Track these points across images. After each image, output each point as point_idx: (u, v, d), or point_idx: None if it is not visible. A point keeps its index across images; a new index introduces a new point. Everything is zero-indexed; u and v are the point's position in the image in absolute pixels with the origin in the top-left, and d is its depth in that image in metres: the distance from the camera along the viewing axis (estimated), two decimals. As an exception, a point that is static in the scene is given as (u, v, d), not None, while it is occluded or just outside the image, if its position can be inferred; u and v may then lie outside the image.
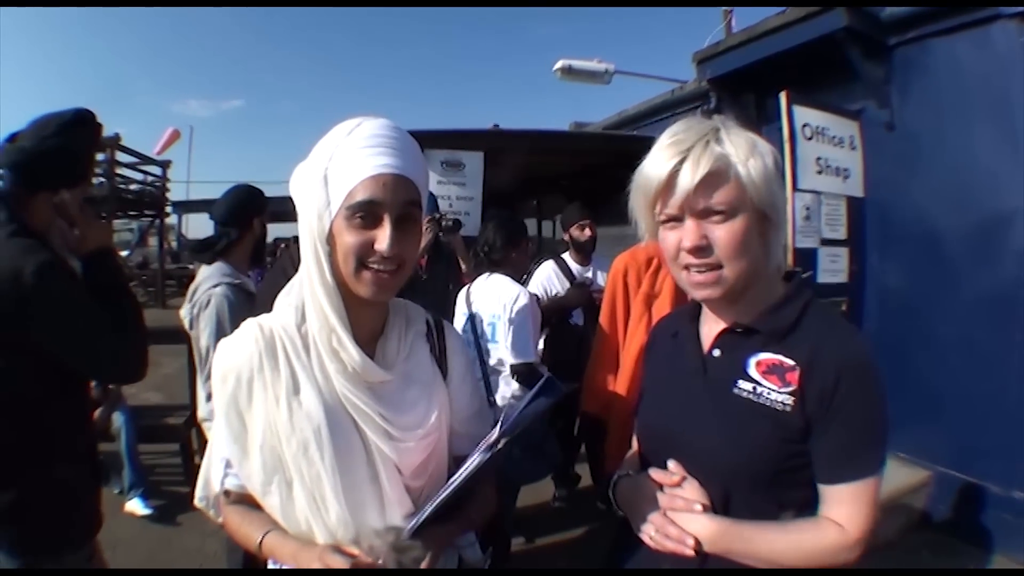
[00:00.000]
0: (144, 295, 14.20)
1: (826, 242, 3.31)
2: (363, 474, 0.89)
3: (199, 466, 1.05)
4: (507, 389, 2.42)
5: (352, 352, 0.88)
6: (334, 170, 0.84)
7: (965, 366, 3.17)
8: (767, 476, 0.88)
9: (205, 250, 2.12)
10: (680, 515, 0.89)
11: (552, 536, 3.25)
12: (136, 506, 3.42)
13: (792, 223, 3.02)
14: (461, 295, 2.60)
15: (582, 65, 6.26)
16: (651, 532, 0.91)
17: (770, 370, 0.89)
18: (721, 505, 0.90)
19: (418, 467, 0.94)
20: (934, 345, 3.32)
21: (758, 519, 0.88)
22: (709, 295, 0.91)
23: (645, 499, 0.95)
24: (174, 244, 18.66)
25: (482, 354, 2.42)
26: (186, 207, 18.72)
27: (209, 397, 1.76)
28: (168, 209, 15.55)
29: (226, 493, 0.97)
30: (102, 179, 11.55)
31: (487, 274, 2.56)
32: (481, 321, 2.47)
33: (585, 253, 3.53)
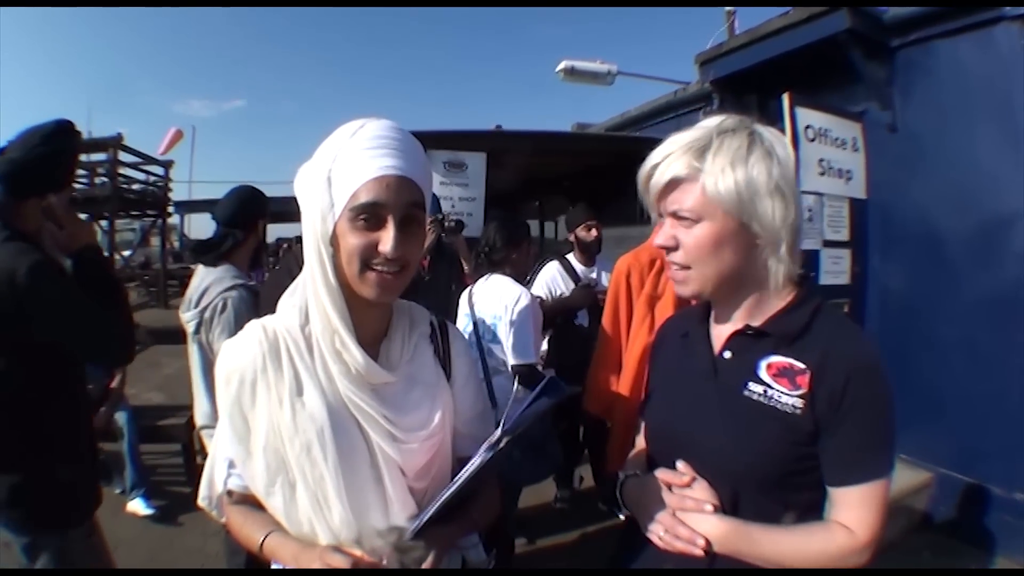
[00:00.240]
0: (146, 295, 14.21)
1: (828, 244, 3.31)
2: (366, 475, 0.89)
3: (201, 466, 1.05)
4: (509, 390, 2.42)
5: (355, 354, 0.88)
6: (338, 172, 0.84)
7: (967, 367, 3.17)
8: (775, 478, 0.88)
9: (208, 251, 2.08)
10: (690, 515, 0.90)
11: (553, 537, 3.24)
12: (138, 506, 3.43)
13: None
14: (463, 296, 2.60)
15: (585, 66, 6.27)
16: (660, 532, 0.91)
17: (781, 373, 0.89)
18: (729, 506, 0.90)
19: (422, 468, 0.94)
20: (936, 346, 3.31)
21: (764, 520, 0.88)
22: (680, 291, 0.98)
23: (654, 499, 0.95)
24: (176, 244, 18.67)
25: (484, 355, 2.42)
26: (188, 207, 18.71)
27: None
28: (170, 209, 15.55)
29: (229, 493, 0.97)
30: (105, 179, 11.58)
31: (488, 275, 2.56)
32: (482, 322, 2.47)
33: (590, 254, 3.54)
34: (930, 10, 3.23)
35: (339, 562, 0.82)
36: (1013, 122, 2.96)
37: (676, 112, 5.28)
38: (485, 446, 0.86)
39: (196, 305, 2.00)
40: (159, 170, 14.04)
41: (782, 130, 3.06)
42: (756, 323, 0.94)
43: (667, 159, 0.92)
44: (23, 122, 1.42)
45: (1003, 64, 2.99)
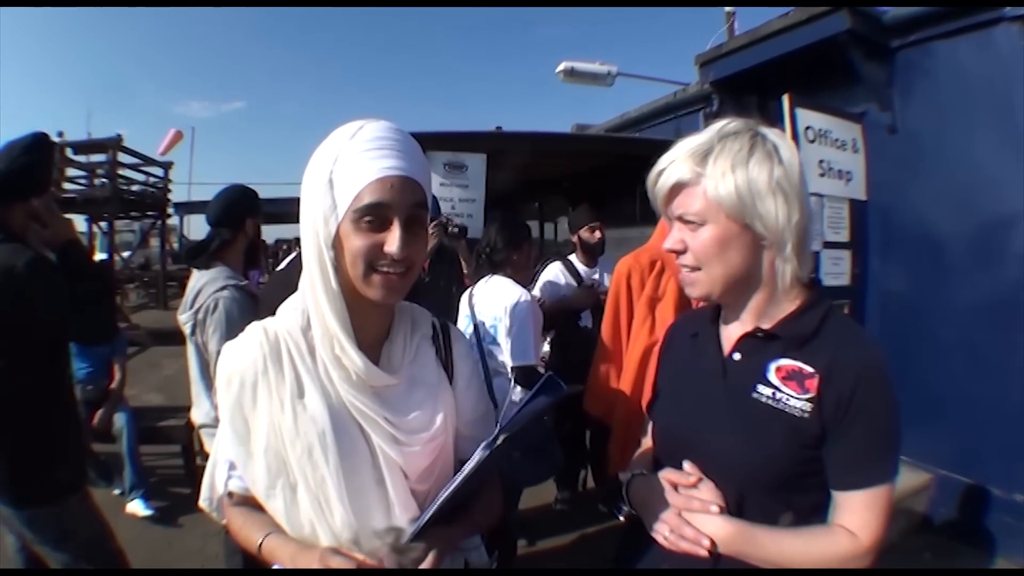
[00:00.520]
0: (145, 296, 14.20)
1: (829, 245, 3.31)
2: (368, 478, 0.89)
3: (201, 468, 1.05)
4: (509, 390, 2.42)
5: (355, 359, 0.87)
6: (339, 174, 0.83)
7: (967, 369, 3.17)
8: (781, 480, 0.89)
9: (199, 254, 2.11)
10: (696, 516, 0.90)
11: (554, 539, 3.24)
12: (137, 507, 3.42)
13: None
14: (464, 298, 2.60)
15: (585, 67, 6.27)
16: (666, 532, 0.92)
17: (790, 376, 0.90)
18: (735, 507, 0.90)
19: (424, 471, 0.93)
20: (936, 348, 3.31)
21: (769, 522, 0.88)
22: (690, 293, 0.99)
23: (660, 499, 0.95)
24: (176, 245, 18.63)
25: (484, 357, 2.42)
26: (188, 208, 18.66)
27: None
28: (170, 210, 15.53)
29: (229, 495, 0.97)
30: (104, 180, 11.57)
31: (489, 276, 2.56)
32: (483, 323, 2.47)
33: (593, 255, 3.55)
34: (930, 11, 3.23)
35: (338, 563, 0.82)
36: (1013, 123, 2.96)
37: (676, 113, 5.26)
38: (483, 445, 0.86)
39: (191, 307, 2.03)
40: (159, 171, 14.04)
41: (782, 131, 3.07)
42: (766, 326, 0.94)
43: (672, 164, 0.94)
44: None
45: (1003, 65, 2.99)
